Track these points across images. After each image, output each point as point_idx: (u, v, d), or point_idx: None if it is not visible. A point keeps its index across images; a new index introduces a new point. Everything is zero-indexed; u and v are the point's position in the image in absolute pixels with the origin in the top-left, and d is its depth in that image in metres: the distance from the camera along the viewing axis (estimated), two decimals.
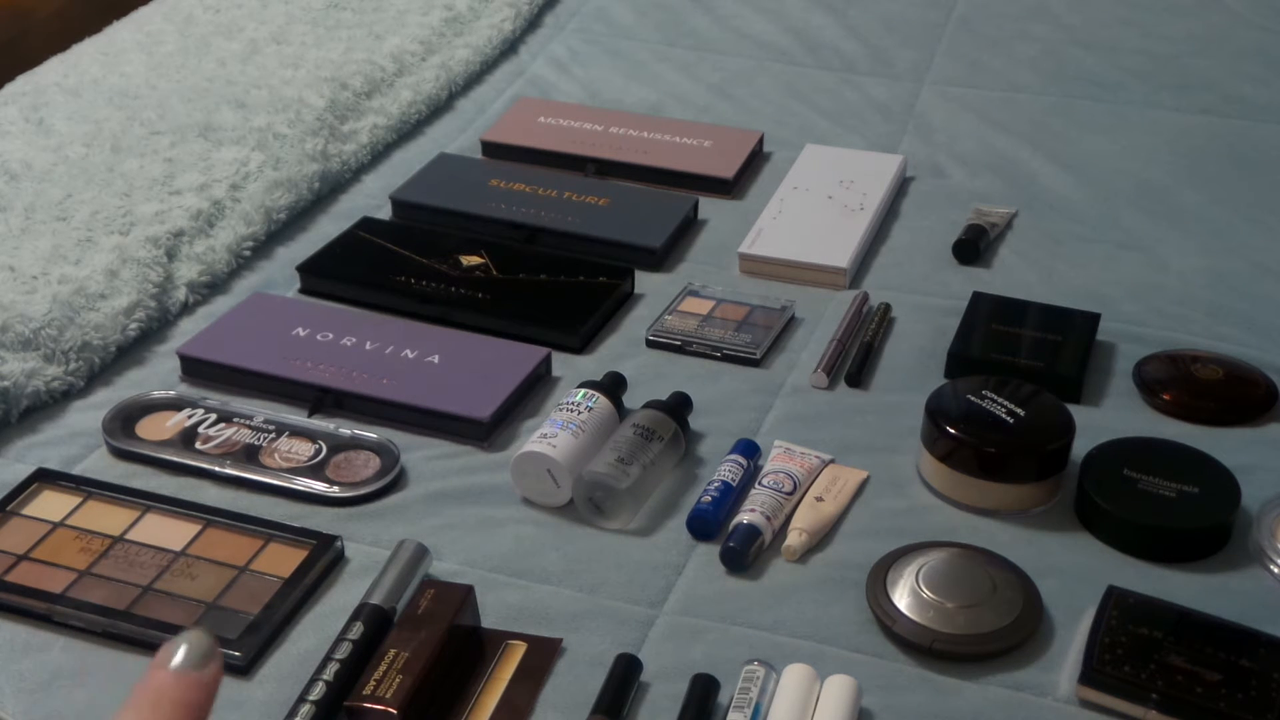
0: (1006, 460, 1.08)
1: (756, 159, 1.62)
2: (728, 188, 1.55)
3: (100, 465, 1.14)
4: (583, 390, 1.15)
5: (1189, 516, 1.05)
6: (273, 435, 1.15)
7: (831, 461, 1.14)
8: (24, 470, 1.12)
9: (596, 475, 1.07)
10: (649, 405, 1.15)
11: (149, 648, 0.96)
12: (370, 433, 1.16)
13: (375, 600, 0.96)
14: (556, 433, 1.10)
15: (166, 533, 1.05)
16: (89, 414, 1.19)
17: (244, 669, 0.94)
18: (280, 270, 1.40)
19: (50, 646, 0.97)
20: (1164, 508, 1.05)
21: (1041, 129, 1.68)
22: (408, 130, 1.67)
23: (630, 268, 1.38)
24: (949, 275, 1.40)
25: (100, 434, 1.16)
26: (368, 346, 1.24)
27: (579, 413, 1.12)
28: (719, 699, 0.92)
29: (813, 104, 1.75)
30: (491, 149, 1.63)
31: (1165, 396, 1.20)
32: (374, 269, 1.37)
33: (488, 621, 0.98)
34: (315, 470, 1.12)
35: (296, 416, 1.18)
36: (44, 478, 1.11)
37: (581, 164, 1.58)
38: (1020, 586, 1.00)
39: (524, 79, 1.82)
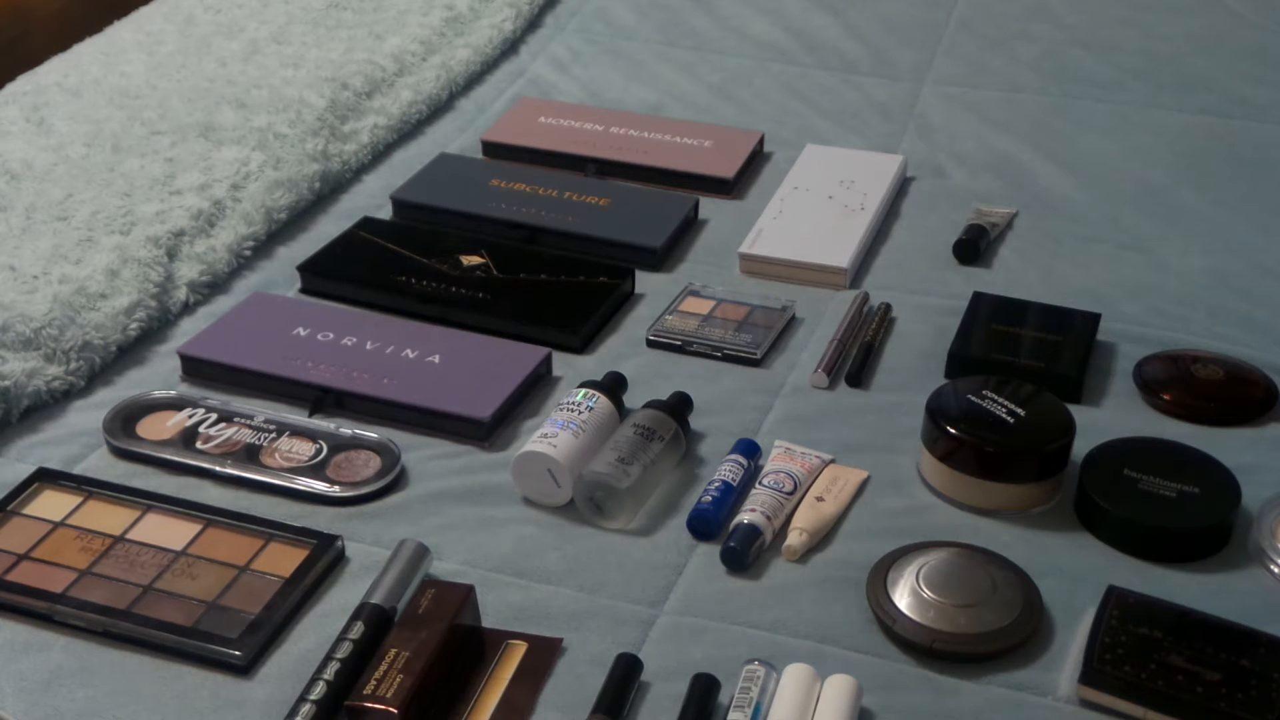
0: (1006, 460, 1.08)
1: (757, 159, 1.62)
2: (728, 188, 1.55)
3: (101, 465, 1.14)
4: (583, 390, 1.15)
5: (1189, 516, 1.05)
6: (273, 435, 1.15)
7: (832, 461, 1.14)
8: (25, 470, 1.12)
9: (597, 475, 1.07)
10: (649, 405, 1.15)
11: (150, 647, 0.96)
12: (371, 432, 1.16)
13: (376, 600, 0.96)
14: (557, 432, 1.10)
15: (167, 532, 1.05)
16: (89, 414, 1.19)
17: (244, 668, 0.94)
18: (281, 270, 1.40)
19: (51, 646, 0.97)
20: (1164, 508, 1.05)
21: (1041, 129, 1.68)
22: (408, 130, 1.67)
23: (631, 268, 1.38)
24: (949, 275, 1.40)
25: (101, 434, 1.16)
26: (368, 346, 1.24)
27: (579, 412, 1.12)
28: (719, 699, 0.92)
29: (813, 104, 1.75)
30: (492, 149, 1.63)
31: (1165, 396, 1.20)
32: (374, 269, 1.37)
33: (488, 621, 0.98)
34: (316, 470, 1.12)
35: (297, 416, 1.18)
36: (44, 477, 1.11)
37: (582, 164, 1.58)
38: (1020, 586, 1.00)
39: (524, 79, 1.82)
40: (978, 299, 1.32)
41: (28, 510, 1.08)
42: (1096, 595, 0.99)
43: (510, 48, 1.89)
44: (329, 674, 0.90)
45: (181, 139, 1.53)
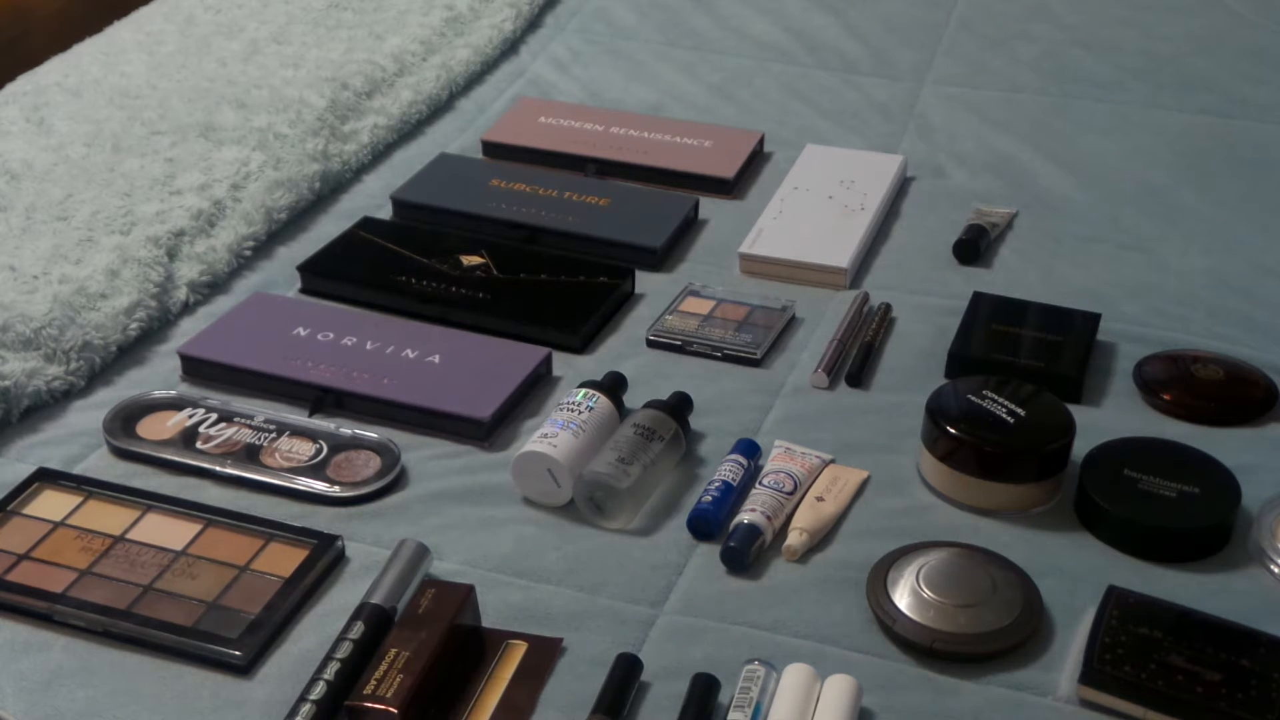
0: (1006, 460, 1.08)
1: (757, 159, 1.62)
2: (728, 188, 1.55)
3: (101, 465, 1.14)
4: (583, 390, 1.15)
5: (1189, 516, 1.05)
6: (273, 435, 1.15)
7: (832, 461, 1.14)
8: (25, 470, 1.12)
9: (597, 475, 1.07)
10: (649, 405, 1.15)
11: (150, 647, 0.96)
12: (371, 432, 1.16)
13: (376, 600, 0.96)
14: (557, 432, 1.10)
15: (167, 532, 1.05)
16: (90, 414, 1.19)
17: (244, 668, 0.94)
18: (281, 270, 1.40)
19: (51, 646, 0.97)
20: (1164, 508, 1.05)
21: (1041, 129, 1.68)
22: (408, 130, 1.67)
23: (631, 268, 1.38)
24: (949, 275, 1.40)
25: (101, 433, 1.16)
26: (368, 346, 1.24)
27: (579, 412, 1.12)
28: (719, 699, 0.92)
29: (813, 104, 1.75)
30: (492, 149, 1.63)
31: (1165, 396, 1.20)
32: (375, 269, 1.37)
33: (488, 621, 0.98)
34: (316, 470, 1.12)
35: (297, 416, 1.18)
36: (45, 477, 1.11)
37: (582, 164, 1.58)
38: (1020, 586, 1.00)
39: (524, 79, 1.82)
40: (978, 299, 1.32)
41: (28, 510, 1.08)
42: (1096, 595, 0.99)
43: (510, 48, 1.89)
44: (329, 674, 0.90)
45: (181, 139, 1.53)
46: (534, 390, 1.22)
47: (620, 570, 1.03)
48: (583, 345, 1.29)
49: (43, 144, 1.52)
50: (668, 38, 1.92)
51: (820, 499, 1.09)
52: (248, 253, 1.41)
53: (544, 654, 0.96)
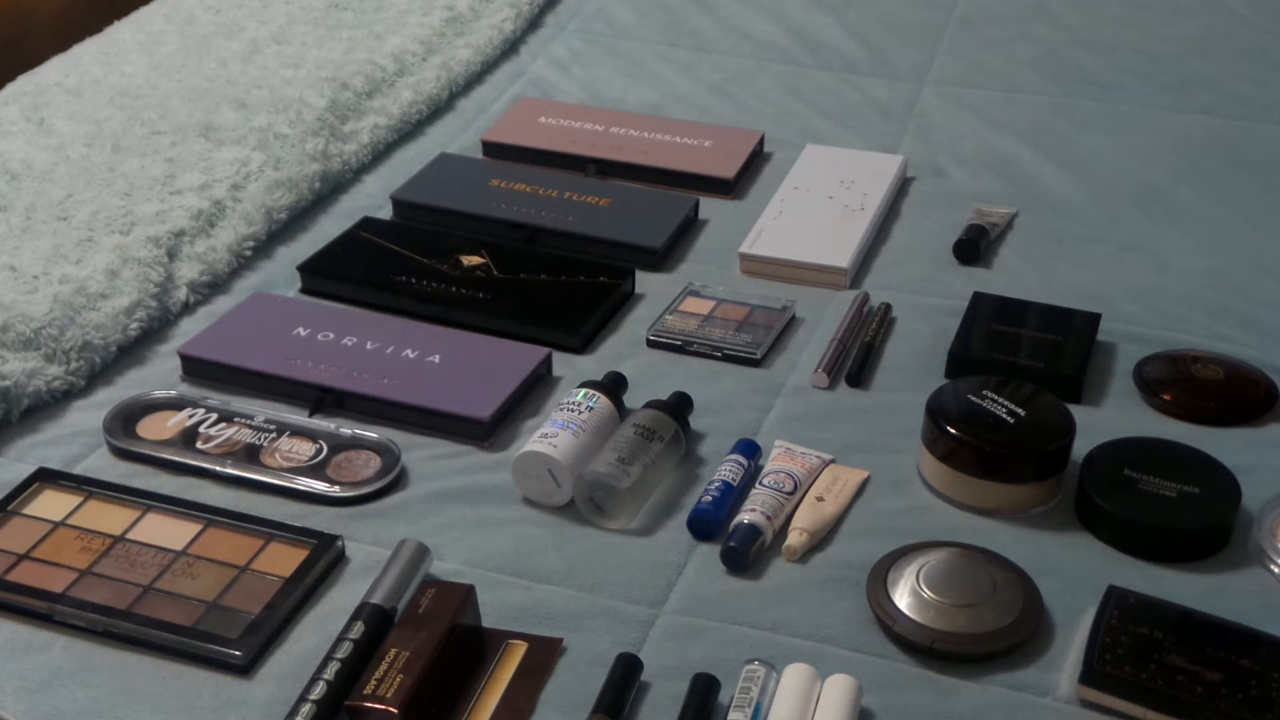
0: (1006, 460, 1.08)
1: (757, 159, 1.62)
2: (728, 188, 1.55)
3: (101, 465, 1.14)
4: (583, 390, 1.15)
5: (1189, 516, 1.05)
6: (273, 435, 1.15)
7: (832, 461, 1.14)
8: (25, 470, 1.12)
9: (597, 475, 1.07)
10: (649, 405, 1.15)
11: (150, 647, 0.96)
12: (371, 432, 1.16)
13: (376, 600, 0.96)
14: (557, 432, 1.10)
15: (167, 532, 1.05)
16: (90, 413, 1.19)
17: (244, 668, 0.94)
18: (281, 270, 1.40)
19: (51, 646, 0.97)
20: (1164, 508, 1.05)
21: (1041, 129, 1.68)
22: (408, 130, 1.67)
23: (631, 268, 1.38)
24: (949, 275, 1.40)
25: (101, 433, 1.16)
26: (368, 346, 1.24)
27: (580, 412, 1.12)
28: (719, 699, 0.92)
29: (813, 104, 1.75)
30: (492, 149, 1.63)
31: (1165, 396, 1.20)
32: (375, 269, 1.37)
33: (488, 621, 0.98)
34: (316, 470, 1.12)
35: (297, 416, 1.18)
36: (45, 477, 1.11)
37: (582, 164, 1.58)
38: (1020, 586, 1.00)
39: (525, 79, 1.82)
40: (978, 299, 1.32)
41: (28, 510, 1.08)
42: (1096, 595, 0.99)
43: (510, 48, 1.89)
44: (329, 674, 0.90)
45: (182, 139, 1.53)
46: (534, 390, 1.22)
47: (620, 570, 1.03)
48: (583, 345, 1.29)
49: (43, 144, 1.52)
50: (668, 38, 1.92)
51: (820, 499, 1.09)
52: (248, 253, 1.41)
53: (544, 654, 0.96)
